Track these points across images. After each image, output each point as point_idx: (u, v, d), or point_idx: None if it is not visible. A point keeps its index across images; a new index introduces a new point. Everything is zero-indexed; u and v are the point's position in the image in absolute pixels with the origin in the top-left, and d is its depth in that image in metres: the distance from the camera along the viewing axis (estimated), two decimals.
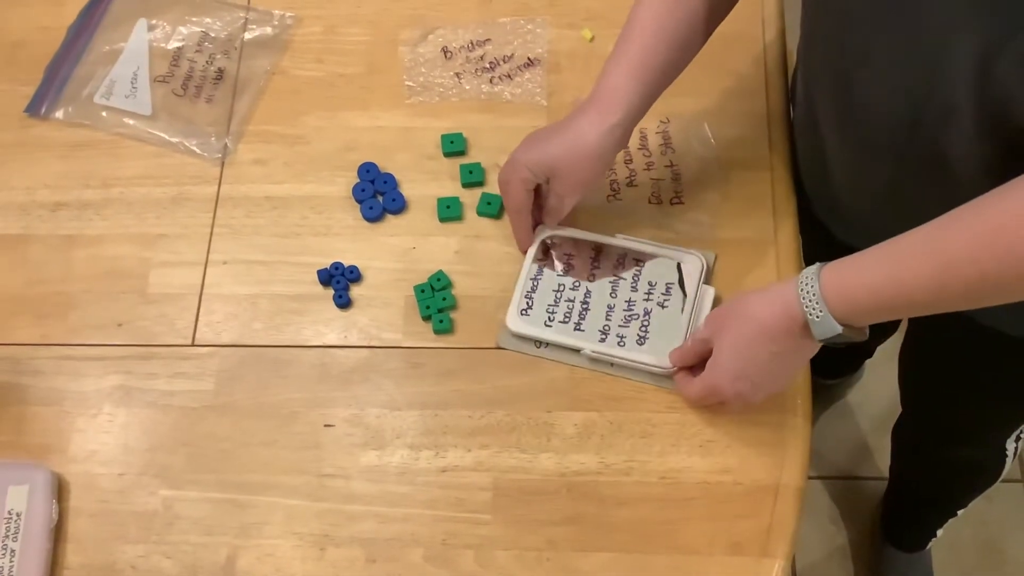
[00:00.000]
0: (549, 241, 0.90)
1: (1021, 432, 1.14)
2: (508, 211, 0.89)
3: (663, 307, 0.87)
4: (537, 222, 0.90)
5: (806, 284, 0.71)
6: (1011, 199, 0.62)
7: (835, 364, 1.64)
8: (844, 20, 0.73)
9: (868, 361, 1.66)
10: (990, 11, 0.60)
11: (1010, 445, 1.17)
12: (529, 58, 1.00)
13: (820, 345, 0.74)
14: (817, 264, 0.72)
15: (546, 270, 0.89)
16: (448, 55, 1.00)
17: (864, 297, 0.70)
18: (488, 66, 1.00)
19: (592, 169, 0.84)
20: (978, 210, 0.64)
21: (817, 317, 0.71)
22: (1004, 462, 1.21)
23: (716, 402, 0.82)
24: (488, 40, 1.01)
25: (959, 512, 1.40)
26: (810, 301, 0.71)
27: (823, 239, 0.94)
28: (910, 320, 1.14)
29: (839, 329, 0.70)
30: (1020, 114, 0.64)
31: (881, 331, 1.46)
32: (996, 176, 0.64)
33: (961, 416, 1.14)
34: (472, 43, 1.01)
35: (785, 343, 0.74)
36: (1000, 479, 1.27)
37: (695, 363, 0.83)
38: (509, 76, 0.99)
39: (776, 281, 0.77)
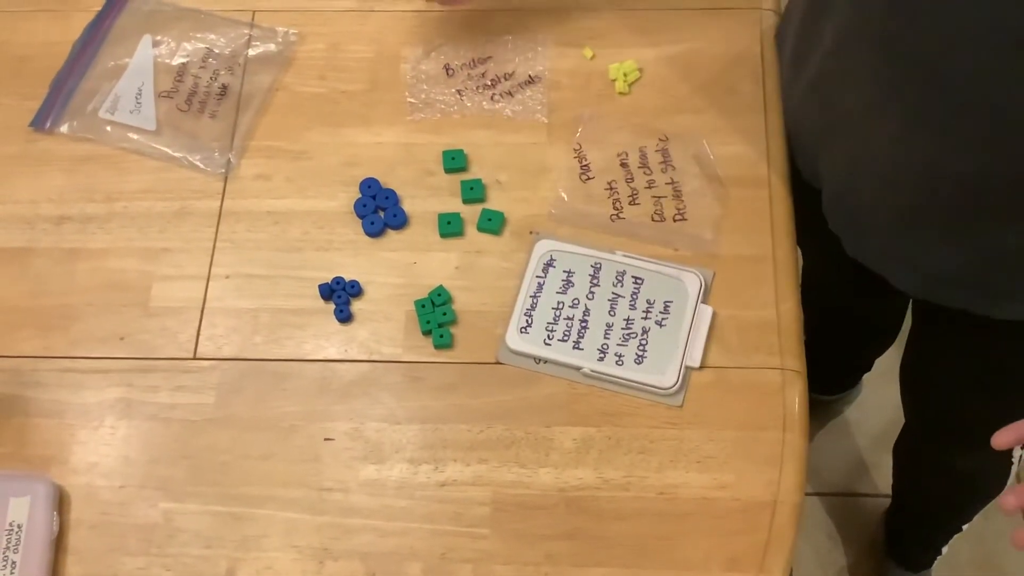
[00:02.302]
0: (549, 257, 0.91)
1: None
2: None
3: (661, 326, 0.88)
4: None
5: None
6: None
7: (833, 380, 1.64)
8: None
9: (866, 377, 1.66)
10: None
11: (1016, 451, 1.17)
12: (530, 75, 1.00)
13: None
14: None
15: (545, 287, 0.90)
16: (450, 72, 1.01)
17: None
18: (489, 83, 1.01)
19: None
20: None
21: None
22: (1010, 469, 1.21)
23: None
24: (490, 58, 1.02)
25: (964, 527, 1.39)
26: None
27: (833, 253, 0.95)
28: (914, 322, 1.14)
29: None
30: None
31: (880, 341, 1.48)
32: None
33: (967, 418, 1.13)
34: (474, 60, 1.02)
35: None
36: (1005, 488, 1.26)
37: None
38: (510, 93, 1.00)
39: None
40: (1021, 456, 1.18)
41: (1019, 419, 1.10)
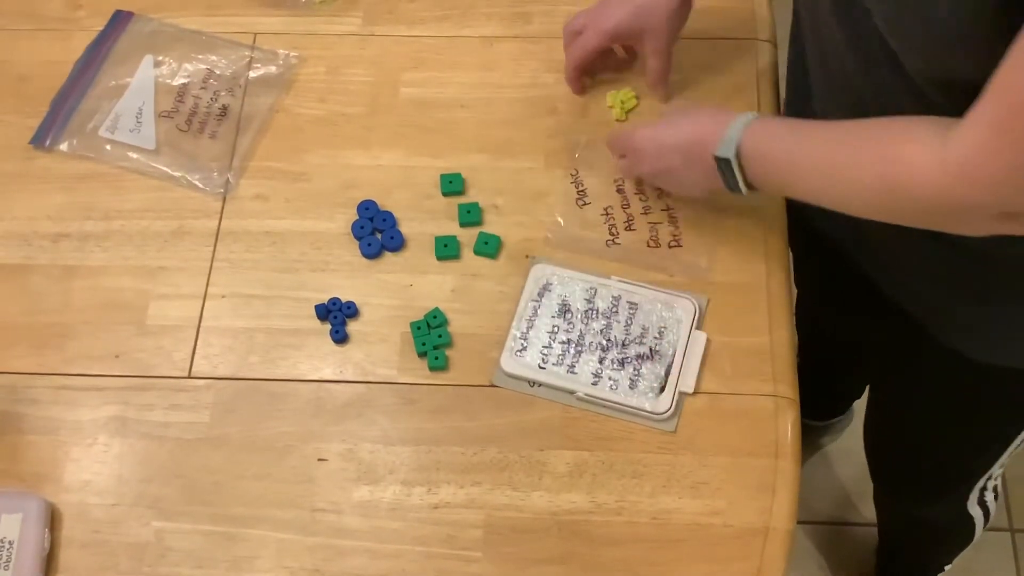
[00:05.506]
0: (545, 281, 0.92)
1: (984, 492, 1.16)
2: (571, 69, 0.98)
3: (655, 351, 0.88)
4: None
5: (736, 126, 0.80)
6: (909, 142, 0.67)
7: (824, 405, 1.65)
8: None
9: (856, 404, 1.67)
10: None
11: (974, 510, 1.19)
12: None
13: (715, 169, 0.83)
14: (754, 115, 0.81)
15: (541, 311, 0.90)
16: None
17: (764, 164, 0.80)
18: None
19: (679, 21, 0.93)
20: (881, 133, 0.71)
21: (725, 152, 0.80)
22: (973, 524, 1.23)
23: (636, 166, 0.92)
24: None
25: (946, 567, 1.42)
26: (730, 138, 0.80)
27: (826, 276, 0.98)
28: (879, 374, 1.17)
29: (734, 164, 0.80)
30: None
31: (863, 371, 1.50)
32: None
33: (922, 472, 1.17)
34: None
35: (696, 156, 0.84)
36: (975, 540, 1.28)
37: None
38: None
39: (725, 113, 0.83)
40: (983, 513, 1.20)
41: (973, 472, 1.12)
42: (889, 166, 0.69)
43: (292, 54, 1.06)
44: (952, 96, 0.65)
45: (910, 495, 1.25)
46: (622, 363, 0.88)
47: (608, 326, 0.90)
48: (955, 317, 0.89)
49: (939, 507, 1.21)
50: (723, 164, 0.81)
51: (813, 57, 0.86)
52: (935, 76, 0.68)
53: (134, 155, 1.00)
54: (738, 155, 0.80)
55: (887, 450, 1.24)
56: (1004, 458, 1.06)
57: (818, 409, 1.65)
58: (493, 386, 0.88)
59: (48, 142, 1.01)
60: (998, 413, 1.00)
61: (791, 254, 0.96)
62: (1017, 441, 1.02)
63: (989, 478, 1.13)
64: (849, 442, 1.71)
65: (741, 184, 0.82)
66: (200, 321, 0.93)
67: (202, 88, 1.04)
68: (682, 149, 0.86)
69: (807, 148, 0.77)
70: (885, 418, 1.20)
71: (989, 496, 1.19)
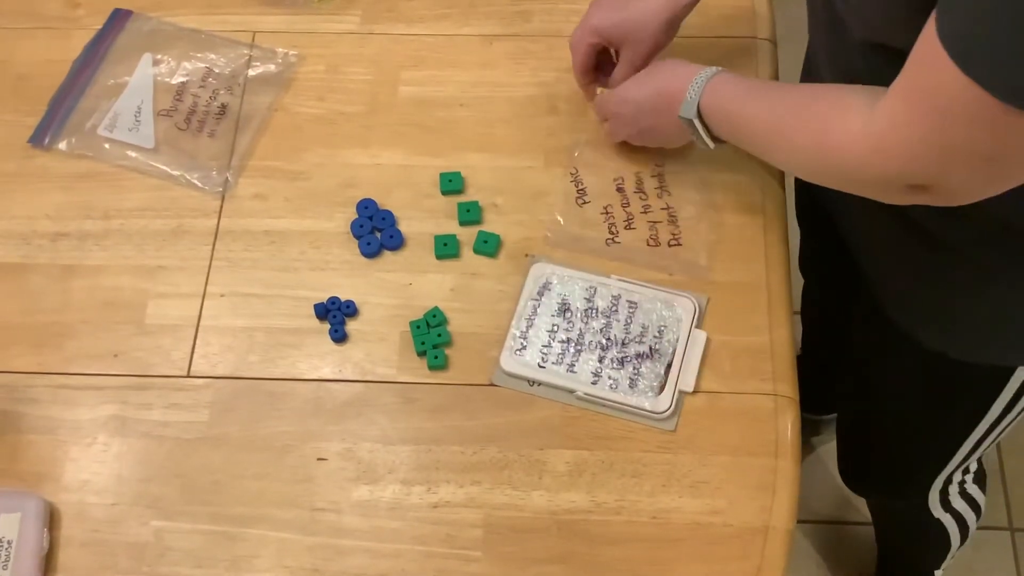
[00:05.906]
0: (545, 280, 0.91)
1: (947, 496, 1.16)
2: (575, 72, 0.96)
3: (655, 350, 0.88)
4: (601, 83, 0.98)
5: (696, 85, 0.84)
6: (843, 111, 0.70)
7: (824, 398, 1.65)
8: None
9: None
10: None
11: (941, 515, 1.19)
12: None
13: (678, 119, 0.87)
14: (717, 70, 0.85)
15: (540, 310, 0.90)
16: None
17: (722, 122, 0.84)
18: None
19: (664, 38, 0.92)
20: (821, 100, 0.74)
21: (687, 114, 0.85)
22: (945, 530, 1.23)
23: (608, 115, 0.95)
24: None
25: (936, 572, 1.42)
26: (691, 99, 0.84)
27: (832, 268, 0.99)
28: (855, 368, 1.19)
29: (697, 124, 0.85)
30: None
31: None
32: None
33: (874, 465, 1.18)
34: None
35: (666, 111, 0.88)
36: (956, 547, 1.28)
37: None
38: None
39: (687, 68, 0.87)
40: (953, 517, 1.20)
41: (928, 464, 1.12)
42: (822, 133, 0.72)
43: (291, 52, 1.05)
44: (895, 66, 0.66)
45: (868, 488, 1.26)
46: (622, 362, 0.88)
47: (608, 325, 0.89)
48: (952, 316, 0.89)
49: (904, 506, 1.22)
50: (687, 123, 0.86)
51: (810, 29, 0.89)
52: (876, 43, 0.71)
53: (133, 154, 1.00)
54: (699, 114, 0.84)
55: (846, 440, 1.25)
56: (958, 458, 1.06)
57: (818, 403, 1.65)
58: (493, 385, 0.88)
59: (47, 141, 1.01)
60: (958, 411, 0.99)
61: (800, 230, 0.97)
62: (972, 441, 1.01)
63: (950, 482, 1.13)
64: None
65: (707, 140, 0.87)
66: (199, 320, 0.92)
67: (201, 87, 1.04)
68: (652, 109, 0.89)
69: (756, 110, 0.81)
70: (851, 407, 1.21)
71: (958, 502, 1.19)
